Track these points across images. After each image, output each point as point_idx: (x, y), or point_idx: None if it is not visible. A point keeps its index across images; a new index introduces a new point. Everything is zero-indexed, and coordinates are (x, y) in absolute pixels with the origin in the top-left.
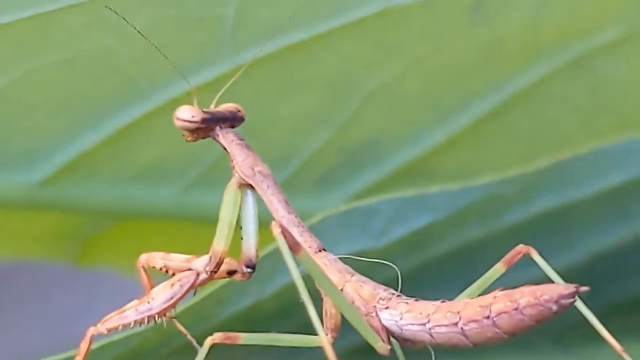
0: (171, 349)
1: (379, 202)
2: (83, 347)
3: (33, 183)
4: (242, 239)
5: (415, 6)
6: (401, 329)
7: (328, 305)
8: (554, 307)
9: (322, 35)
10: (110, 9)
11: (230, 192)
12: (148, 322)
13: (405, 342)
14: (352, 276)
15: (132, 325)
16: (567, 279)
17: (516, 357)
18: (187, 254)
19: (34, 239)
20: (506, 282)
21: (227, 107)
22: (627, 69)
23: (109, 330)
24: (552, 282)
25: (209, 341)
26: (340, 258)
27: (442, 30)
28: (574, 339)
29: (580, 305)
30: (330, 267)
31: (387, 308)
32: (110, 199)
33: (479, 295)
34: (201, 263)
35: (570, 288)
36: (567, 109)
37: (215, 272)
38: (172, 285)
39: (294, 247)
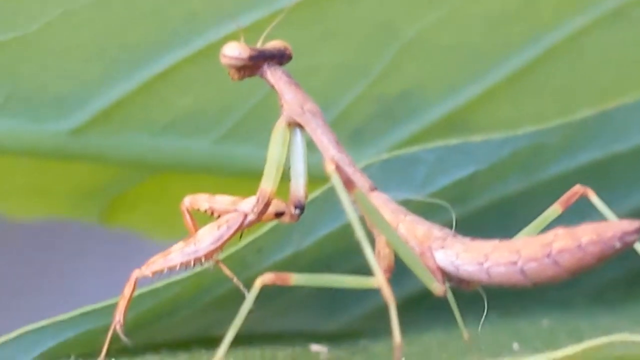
0: (210, 299)
1: (421, 151)
2: (127, 290)
3: (65, 132)
4: (290, 179)
5: None
6: (457, 269)
7: (381, 245)
8: (618, 244)
9: None
10: None
11: (279, 131)
12: (194, 264)
13: (461, 283)
14: (405, 216)
15: (177, 268)
16: None
17: (557, 314)
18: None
19: (62, 195)
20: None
21: (274, 44)
22: None
23: (153, 273)
24: None
25: (259, 282)
26: None
27: None
28: (614, 296)
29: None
30: (383, 206)
31: (442, 248)
32: (142, 150)
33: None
34: (248, 204)
35: (635, 224)
36: (607, 62)
37: (263, 213)
38: (219, 226)
39: (348, 184)
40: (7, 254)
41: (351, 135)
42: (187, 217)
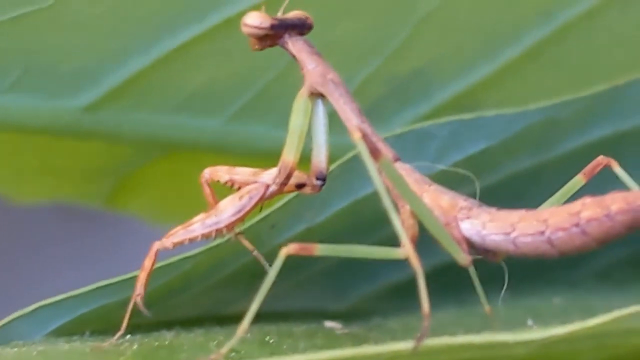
0: (222, 275)
1: (434, 126)
2: (148, 262)
3: (79, 108)
4: (312, 149)
5: None
6: (483, 239)
7: (405, 216)
8: None
9: None
10: None
11: (301, 101)
12: (215, 236)
13: (487, 253)
14: (430, 186)
15: (199, 239)
16: None
17: (566, 293)
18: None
19: (69, 176)
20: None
21: (295, 14)
22: None
23: (174, 245)
24: None
25: (284, 251)
26: None
27: None
28: (621, 277)
29: None
30: (407, 176)
31: (468, 218)
32: (155, 129)
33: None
34: (270, 175)
35: None
36: (619, 39)
37: (285, 184)
38: (241, 197)
39: (375, 153)
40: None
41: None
42: (207, 189)
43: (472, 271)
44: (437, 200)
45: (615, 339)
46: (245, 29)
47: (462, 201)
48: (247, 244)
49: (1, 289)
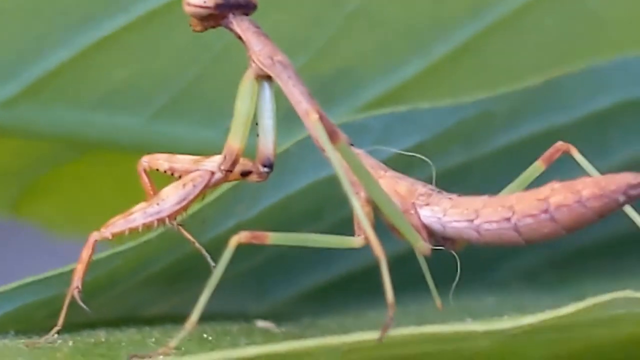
0: (148, 273)
1: (369, 118)
2: (85, 254)
3: None
4: (257, 135)
5: None
6: (444, 227)
7: (361, 202)
8: (621, 199)
9: None
10: None
11: (247, 84)
12: (157, 225)
13: (446, 242)
14: (385, 172)
15: (140, 229)
16: None
17: (499, 293)
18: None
19: None
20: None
21: None
22: None
23: (113, 236)
24: None
25: (235, 240)
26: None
27: None
28: (548, 279)
29: (629, 209)
30: (362, 161)
31: (427, 205)
32: (73, 126)
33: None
34: (213, 163)
35: None
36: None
37: (231, 171)
38: (185, 185)
39: (333, 135)
40: None
41: (285, 116)
42: (145, 178)
43: (422, 262)
44: (394, 186)
45: (579, 331)
46: (187, 8)
47: (420, 187)
48: (188, 235)
49: None
